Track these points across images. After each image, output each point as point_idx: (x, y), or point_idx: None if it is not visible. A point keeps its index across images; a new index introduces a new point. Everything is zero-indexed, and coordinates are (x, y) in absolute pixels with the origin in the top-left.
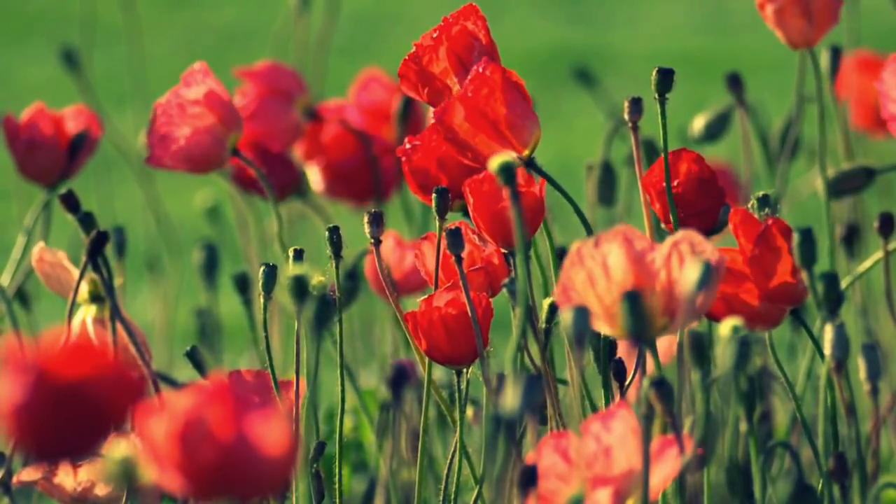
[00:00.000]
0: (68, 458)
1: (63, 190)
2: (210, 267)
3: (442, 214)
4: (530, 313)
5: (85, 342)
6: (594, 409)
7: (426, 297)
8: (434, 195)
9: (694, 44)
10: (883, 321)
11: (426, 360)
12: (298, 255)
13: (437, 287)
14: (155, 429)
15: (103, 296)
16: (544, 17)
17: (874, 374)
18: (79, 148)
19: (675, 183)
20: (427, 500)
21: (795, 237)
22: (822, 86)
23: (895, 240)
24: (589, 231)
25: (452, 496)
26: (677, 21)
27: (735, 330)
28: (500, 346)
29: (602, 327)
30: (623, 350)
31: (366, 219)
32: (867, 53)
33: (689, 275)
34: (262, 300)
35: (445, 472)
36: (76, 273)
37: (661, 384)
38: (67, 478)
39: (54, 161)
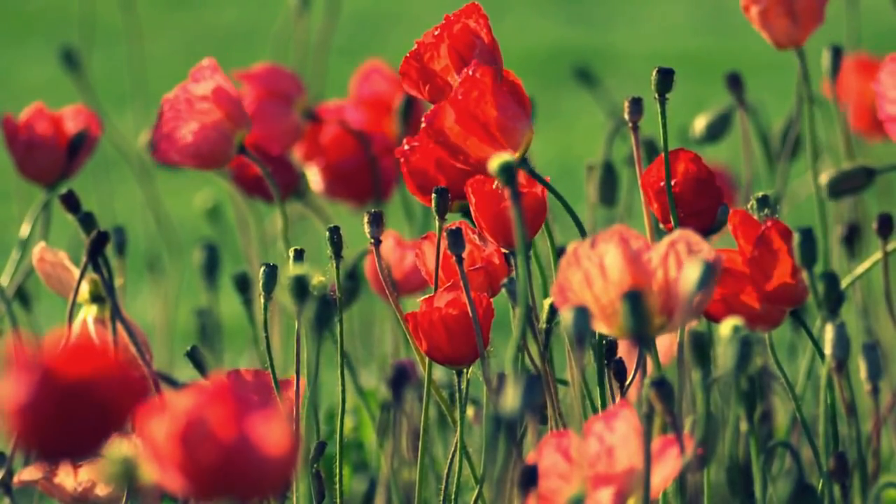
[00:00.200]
0: (71, 457)
1: (63, 190)
2: (210, 267)
3: (441, 214)
4: (530, 313)
5: (88, 342)
6: (594, 409)
7: (427, 297)
8: (433, 195)
9: (694, 44)
10: (883, 321)
11: (426, 360)
12: (299, 256)
13: (437, 287)
14: (155, 429)
15: (104, 296)
16: (544, 16)
17: (875, 373)
18: (78, 148)
19: (673, 182)
20: (427, 500)
21: (795, 237)
22: (811, 84)
23: (895, 240)
24: (582, 231)
25: (453, 496)
26: (677, 21)
27: (736, 330)
28: (501, 346)
29: (599, 327)
30: (623, 350)
31: (366, 219)
32: (866, 56)
33: (688, 274)
34: (262, 300)
35: (446, 472)
36: (76, 273)
37: (661, 384)
38: (68, 478)
39: (54, 161)
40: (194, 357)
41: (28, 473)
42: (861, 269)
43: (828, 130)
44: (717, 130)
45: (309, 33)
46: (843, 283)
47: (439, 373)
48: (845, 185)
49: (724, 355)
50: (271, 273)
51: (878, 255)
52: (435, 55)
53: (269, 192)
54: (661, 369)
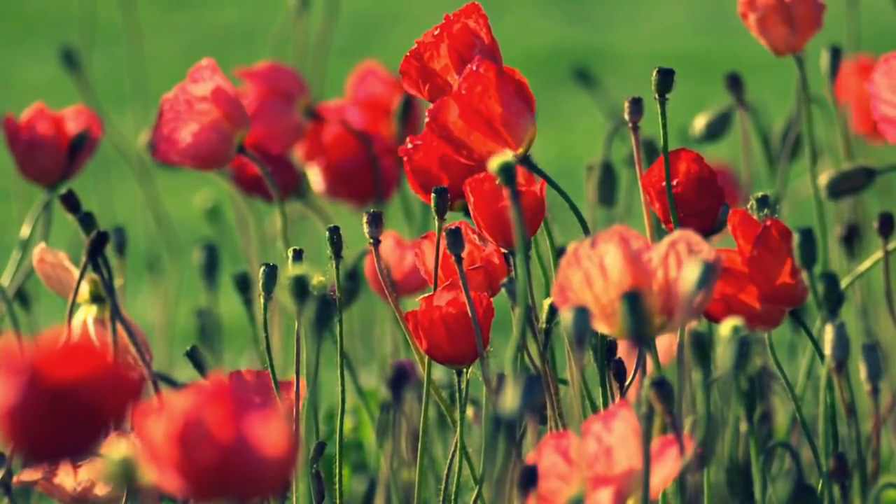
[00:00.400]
0: (62, 459)
1: (63, 190)
2: (210, 267)
3: (441, 214)
4: (530, 313)
5: (80, 343)
6: (594, 409)
7: (426, 296)
8: (433, 195)
9: (694, 44)
10: (883, 321)
11: (426, 360)
12: (298, 256)
13: (436, 287)
14: (154, 429)
15: (103, 296)
16: (544, 17)
17: (874, 374)
18: (79, 148)
19: (675, 183)
20: (427, 500)
21: (795, 237)
22: (808, 87)
23: (895, 240)
24: (586, 229)
25: (452, 496)
26: (677, 21)
27: (735, 330)
28: (500, 346)
29: (599, 327)
30: (623, 350)
31: (365, 219)
32: (867, 58)
33: (688, 274)
34: (262, 300)
35: (445, 472)
36: (76, 273)
37: (661, 384)
38: (67, 478)
39: (54, 161)
40: (194, 357)
41: (27, 473)
42: (861, 269)
43: (828, 131)
44: (716, 130)
45: (309, 33)
46: (843, 283)
47: (439, 373)
48: (845, 186)
49: (723, 355)
50: (271, 273)
51: (878, 255)
52: (435, 55)
53: (268, 191)
54: (660, 369)
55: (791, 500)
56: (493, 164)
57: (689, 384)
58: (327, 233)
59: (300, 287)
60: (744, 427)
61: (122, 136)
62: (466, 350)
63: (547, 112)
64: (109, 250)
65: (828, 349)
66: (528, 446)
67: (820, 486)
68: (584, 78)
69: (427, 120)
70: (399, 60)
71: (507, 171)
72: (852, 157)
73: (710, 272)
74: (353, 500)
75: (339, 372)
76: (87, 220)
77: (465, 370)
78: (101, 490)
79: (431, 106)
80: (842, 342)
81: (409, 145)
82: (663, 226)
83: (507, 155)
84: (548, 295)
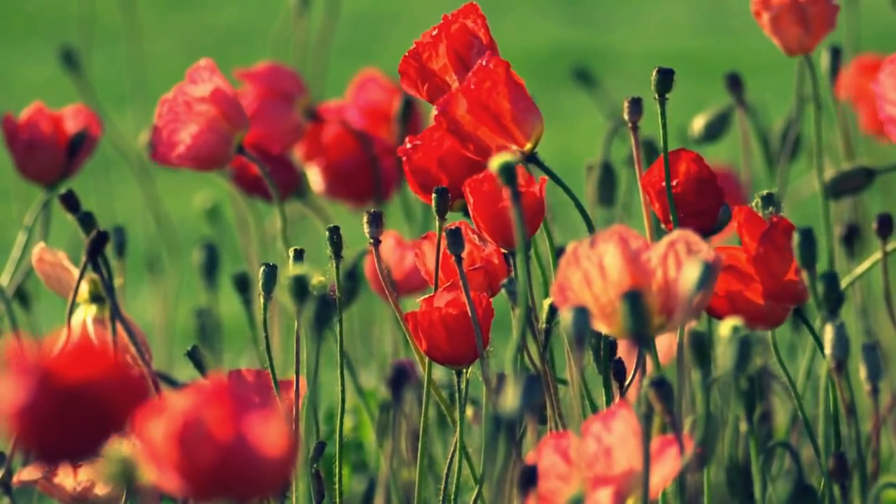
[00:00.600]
0: (71, 459)
1: (63, 190)
2: (210, 267)
3: (441, 214)
4: (530, 313)
5: (88, 343)
6: (594, 409)
7: (427, 297)
8: (434, 195)
9: (694, 44)
10: (883, 321)
11: (426, 360)
12: (298, 256)
13: (436, 287)
14: (154, 429)
15: (103, 296)
16: (544, 17)
17: (874, 374)
18: (78, 148)
19: (675, 183)
20: (427, 500)
21: (795, 237)
22: (818, 87)
23: (895, 240)
24: (591, 227)
25: (452, 496)
26: (677, 21)
27: (735, 330)
28: (500, 346)
29: (599, 326)
30: (623, 350)
31: (365, 219)
32: (874, 57)
33: (688, 274)
34: (262, 300)
35: (445, 472)
36: (76, 273)
37: (661, 384)
38: (67, 478)
39: (54, 161)
40: (194, 357)
41: (27, 473)
42: (861, 269)
43: (828, 131)
44: (715, 130)
45: (309, 33)
46: (843, 284)
47: (439, 373)
48: (845, 186)
49: (723, 355)
50: (271, 273)
51: (877, 255)
52: (433, 55)
53: (268, 191)
54: (660, 369)
55: (791, 500)
56: (494, 163)
57: (689, 384)
58: (327, 233)
59: (300, 287)
60: (744, 427)
61: (121, 136)
62: (466, 350)
63: (547, 112)
64: (109, 250)
65: (828, 349)
66: (528, 446)
67: (820, 485)
68: (584, 78)
69: (435, 113)
70: (399, 61)
71: (507, 170)
72: (852, 156)
73: (710, 272)
74: (353, 500)
75: (339, 372)
76: (86, 220)
77: (464, 370)
78: (101, 490)
79: (436, 105)
80: (842, 342)
81: (409, 145)
82: (663, 226)
83: (509, 154)
84: (547, 295)
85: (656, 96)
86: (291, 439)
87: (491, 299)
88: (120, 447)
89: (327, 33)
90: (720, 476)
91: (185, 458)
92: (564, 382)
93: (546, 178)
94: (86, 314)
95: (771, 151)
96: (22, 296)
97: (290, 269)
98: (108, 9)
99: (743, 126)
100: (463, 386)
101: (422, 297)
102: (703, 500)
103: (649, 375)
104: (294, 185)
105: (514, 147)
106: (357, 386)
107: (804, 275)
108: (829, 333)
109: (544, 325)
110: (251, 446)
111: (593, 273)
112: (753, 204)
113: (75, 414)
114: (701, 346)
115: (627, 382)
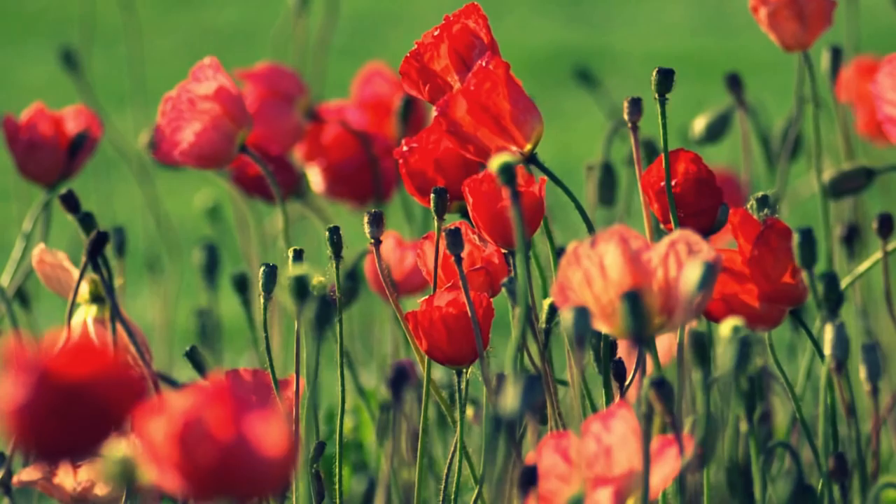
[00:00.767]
0: (71, 458)
1: (63, 190)
2: (210, 267)
3: (440, 215)
4: (530, 313)
5: (87, 342)
6: (594, 409)
7: (427, 297)
8: (432, 195)
9: (694, 44)
10: (883, 321)
11: (426, 360)
12: (298, 256)
13: (437, 287)
14: (154, 429)
15: (103, 296)
16: (544, 17)
17: (874, 374)
18: (79, 148)
19: (674, 183)
20: (427, 500)
21: (795, 237)
22: (818, 87)
23: (895, 240)
24: (590, 228)
25: (452, 496)
26: (677, 21)
27: (735, 330)
28: (500, 346)
29: (599, 326)
30: (623, 350)
31: (366, 219)
32: (872, 59)
33: (689, 275)
34: (262, 300)
35: (445, 472)
36: (76, 273)
37: (661, 384)
38: (67, 478)
39: (54, 161)
40: (194, 357)
41: (27, 473)
42: (861, 269)
43: (828, 131)
44: (716, 131)
45: (309, 33)
46: (843, 283)
47: (439, 373)
48: (845, 185)
49: (723, 355)
50: (271, 273)
51: (878, 255)
52: (435, 55)
53: (269, 191)
54: (660, 369)
55: (791, 500)
56: (494, 164)
57: (689, 384)
58: (327, 233)
59: (300, 287)
60: (744, 427)
61: (121, 136)
62: (466, 350)
63: (547, 112)
64: (109, 250)
65: (828, 349)
66: (528, 446)
67: (820, 485)
68: (584, 78)
69: (435, 114)
70: (399, 61)
71: (507, 171)
72: (852, 156)
73: (711, 272)
74: (353, 500)
75: (339, 372)
76: (86, 220)
77: (464, 370)
78: (101, 490)
79: (435, 106)
80: (842, 342)
81: (405, 148)
82: (662, 226)
83: (509, 154)
84: (547, 295)
85: (656, 96)
86: (291, 439)
87: (491, 299)
88: (120, 447)
89: (327, 33)
90: (720, 476)
91: (186, 458)
92: (564, 382)
93: (546, 177)
94: (86, 314)
95: (771, 152)
96: (22, 296)
97: (291, 270)
98: (108, 9)
99: (743, 126)
100: (463, 386)
101: (422, 298)
102: (703, 500)
103: (649, 375)
104: (294, 186)
105: (514, 148)
106: (357, 386)
107: (804, 275)
108: (829, 333)
109: (544, 325)
110: (251, 446)
111: (594, 273)
112: (749, 206)
113: (74, 413)
114: (701, 346)
115: (627, 382)
